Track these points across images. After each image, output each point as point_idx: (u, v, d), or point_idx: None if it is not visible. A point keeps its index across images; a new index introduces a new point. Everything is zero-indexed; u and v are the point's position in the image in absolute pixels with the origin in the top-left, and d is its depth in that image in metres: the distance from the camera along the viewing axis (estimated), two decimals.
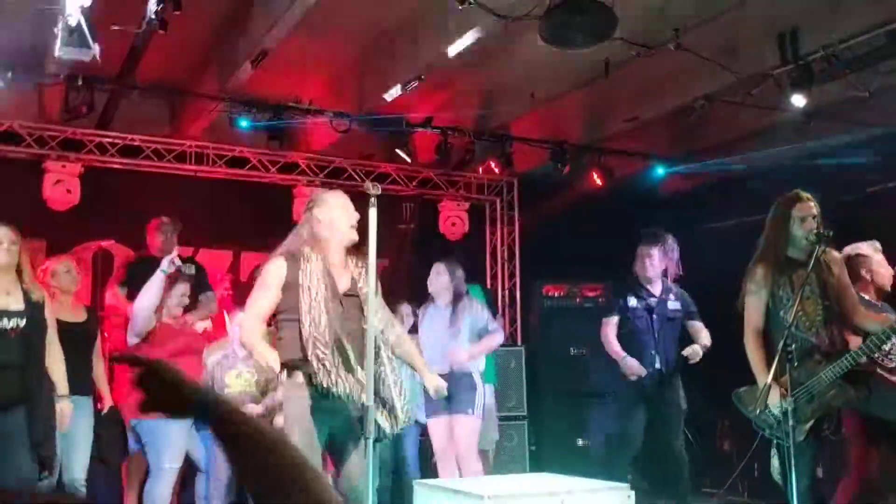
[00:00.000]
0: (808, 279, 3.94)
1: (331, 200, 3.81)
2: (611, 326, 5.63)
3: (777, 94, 6.15)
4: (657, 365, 5.47)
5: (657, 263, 5.62)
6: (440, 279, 5.38)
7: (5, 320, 4.19)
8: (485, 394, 5.31)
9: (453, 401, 5.00)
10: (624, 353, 5.48)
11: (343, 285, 3.71)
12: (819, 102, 6.16)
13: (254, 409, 4.98)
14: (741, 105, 6.48)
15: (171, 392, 1.17)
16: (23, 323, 4.23)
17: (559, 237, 7.92)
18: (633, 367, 5.41)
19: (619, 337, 5.58)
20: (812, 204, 4.08)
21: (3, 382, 4.15)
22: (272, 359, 3.59)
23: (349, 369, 3.52)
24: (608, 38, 5.31)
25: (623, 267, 6.01)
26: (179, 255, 5.28)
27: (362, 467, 3.39)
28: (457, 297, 5.36)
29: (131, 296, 5.43)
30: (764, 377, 3.95)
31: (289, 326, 3.61)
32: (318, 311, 3.54)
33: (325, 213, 3.76)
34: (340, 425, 3.56)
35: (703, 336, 5.60)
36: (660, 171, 8.08)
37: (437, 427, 5.20)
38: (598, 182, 8.01)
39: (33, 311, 4.30)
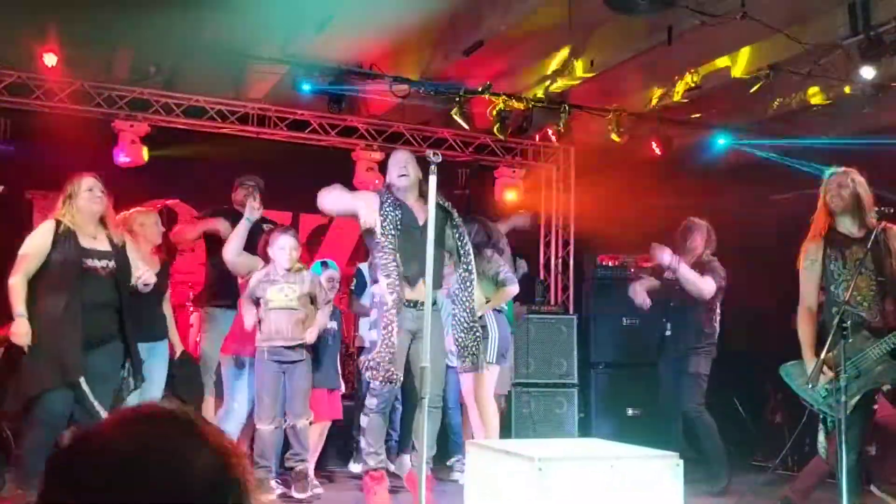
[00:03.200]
0: (865, 257, 3.92)
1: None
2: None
3: (846, 65, 6.00)
4: (666, 332, 5.97)
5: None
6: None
7: (96, 260, 4.45)
8: (498, 339, 5.65)
9: None
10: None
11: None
12: (889, 74, 6.00)
13: (313, 330, 5.19)
14: (808, 76, 6.35)
15: None
16: (112, 264, 4.50)
17: (616, 206, 7.88)
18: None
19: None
20: (862, 179, 4.08)
21: (102, 319, 4.44)
22: None
23: None
24: (672, 5, 5.25)
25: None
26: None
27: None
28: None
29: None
30: (812, 352, 3.96)
31: None
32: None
33: None
34: None
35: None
36: (720, 141, 7.96)
37: (468, 379, 5.43)
38: (658, 151, 7.93)
39: (119, 253, 4.57)
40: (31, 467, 4.35)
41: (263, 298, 5.16)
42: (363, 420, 4.73)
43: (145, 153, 7.11)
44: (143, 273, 4.61)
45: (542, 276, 8.56)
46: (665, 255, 5.98)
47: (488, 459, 3.54)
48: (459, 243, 4.73)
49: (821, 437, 4.31)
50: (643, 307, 6.13)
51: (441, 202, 4.55)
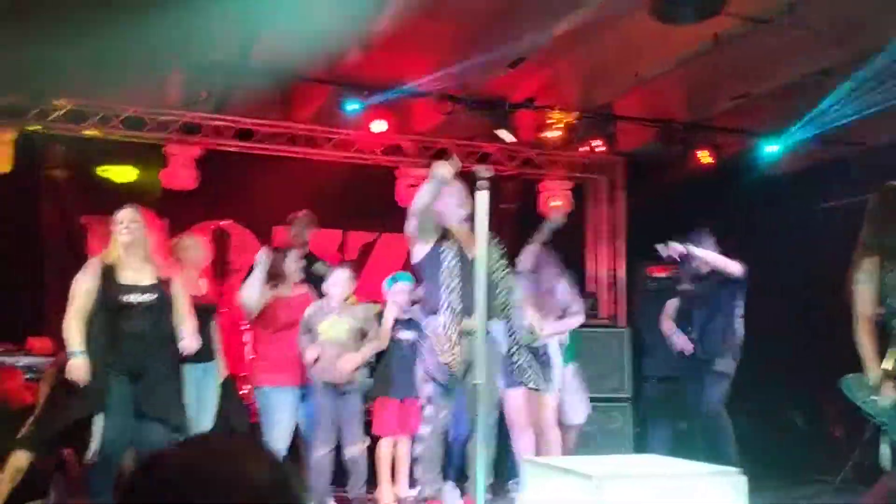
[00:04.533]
0: None
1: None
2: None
3: None
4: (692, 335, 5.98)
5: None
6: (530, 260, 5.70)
7: (136, 295, 4.52)
8: (562, 371, 5.69)
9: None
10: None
11: None
12: None
13: (353, 358, 5.21)
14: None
15: None
16: (153, 298, 4.55)
17: (665, 217, 7.79)
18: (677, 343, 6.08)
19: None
20: None
21: (133, 352, 4.48)
22: None
23: None
24: (718, 13, 5.19)
25: (733, 248, 5.96)
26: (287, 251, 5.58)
27: None
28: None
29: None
30: (874, 365, 3.87)
31: None
32: None
33: None
34: None
35: None
36: (771, 149, 7.81)
37: (514, 399, 5.30)
38: (709, 160, 7.82)
39: (162, 287, 4.61)
40: (90, 486, 4.47)
41: (314, 331, 5.22)
42: (417, 448, 4.72)
43: (195, 176, 7.23)
44: (187, 341, 4.63)
45: (589, 290, 8.48)
46: (676, 247, 5.92)
47: (545, 477, 3.51)
48: (502, 270, 4.74)
49: (885, 449, 4.19)
50: (686, 350, 6.03)
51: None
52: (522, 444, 5.24)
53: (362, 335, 5.31)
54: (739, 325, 5.91)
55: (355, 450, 5.18)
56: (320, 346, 5.17)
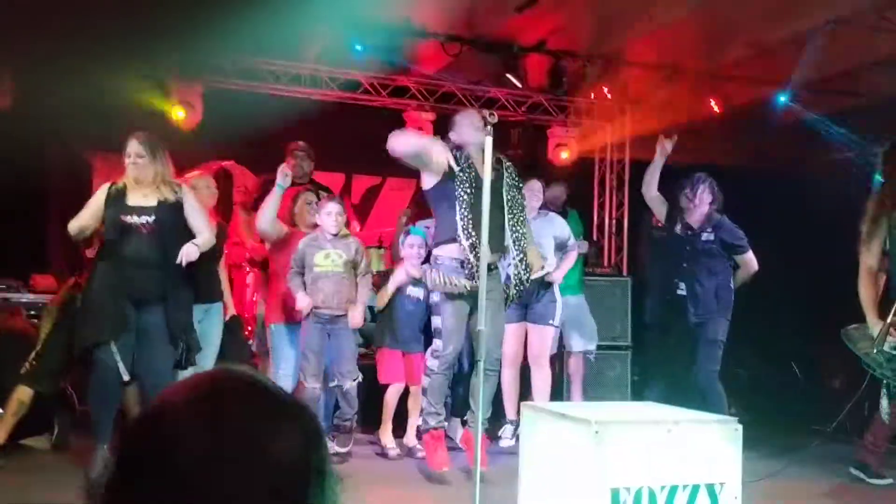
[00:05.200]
0: None
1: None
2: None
3: None
4: (679, 291, 5.74)
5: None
6: (535, 199, 5.86)
7: (136, 216, 4.48)
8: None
9: (535, 311, 5.78)
10: None
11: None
12: None
13: (359, 312, 5.27)
14: (873, 29, 6.10)
15: None
16: (152, 220, 4.48)
17: (671, 166, 7.73)
18: None
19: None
20: None
21: (140, 279, 4.47)
22: None
23: None
24: None
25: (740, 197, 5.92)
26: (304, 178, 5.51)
27: None
28: (549, 212, 6.04)
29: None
30: (875, 315, 3.87)
31: None
32: None
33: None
34: None
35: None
36: (781, 99, 7.72)
37: (510, 334, 5.45)
38: (716, 109, 7.74)
39: (165, 209, 4.53)
40: (95, 418, 4.50)
41: (309, 264, 5.22)
42: (425, 381, 4.77)
43: (200, 114, 7.18)
44: (186, 249, 4.52)
45: (595, 238, 8.47)
46: (706, 198, 5.67)
47: (544, 422, 3.54)
48: (519, 204, 4.69)
49: (883, 402, 4.23)
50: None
51: (504, 162, 4.58)
52: (510, 377, 5.71)
53: (353, 266, 5.32)
54: (731, 288, 5.71)
55: (348, 384, 5.23)
56: (312, 282, 5.17)
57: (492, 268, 4.31)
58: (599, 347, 6.99)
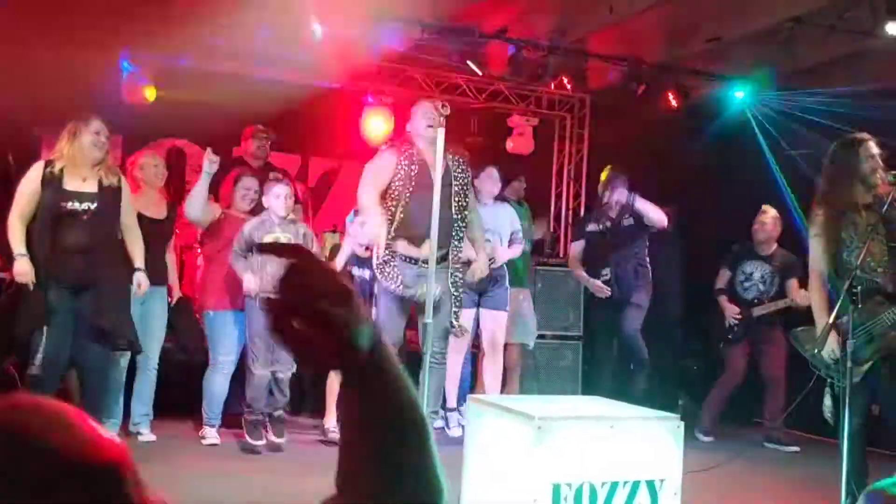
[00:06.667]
0: (878, 222, 3.86)
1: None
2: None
3: (871, 19, 5.83)
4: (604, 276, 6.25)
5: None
6: (494, 185, 5.99)
7: (76, 203, 4.39)
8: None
9: (491, 297, 5.89)
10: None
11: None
12: None
13: None
14: (831, 29, 6.17)
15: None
16: (93, 206, 4.41)
17: (629, 158, 7.77)
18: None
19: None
20: (873, 143, 4.02)
21: (75, 264, 4.38)
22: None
23: None
24: None
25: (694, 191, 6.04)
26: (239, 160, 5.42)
27: None
28: (500, 200, 6.15)
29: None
30: (824, 318, 3.92)
31: None
32: None
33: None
34: None
35: None
36: (739, 94, 7.78)
37: (465, 319, 5.48)
38: (674, 103, 7.78)
39: (105, 195, 4.48)
40: None
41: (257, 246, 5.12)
42: None
43: (151, 93, 7.03)
44: (138, 279, 4.69)
45: (552, 228, 8.48)
46: (623, 191, 6.22)
47: (489, 415, 3.54)
48: (465, 200, 4.74)
49: (826, 400, 4.29)
50: (604, 294, 6.29)
51: (455, 158, 4.65)
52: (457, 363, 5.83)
53: None
54: (648, 265, 6.32)
55: (283, 373, 5.22)
56: (260, 266, 5.04)
57: (438, 262, 4.30)
58: (552, 337, 7.03)
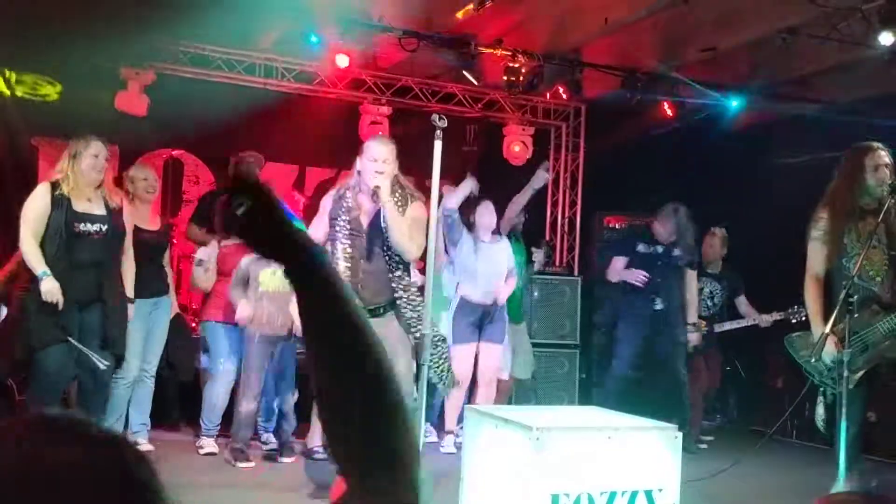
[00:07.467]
0: (877, 229, 3.88)
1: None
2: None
3: (865, 30, 5.87)
4: (656, 306, 6.08)
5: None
6: (492, 218, 5.93)
7: (89, 224, 4.49)
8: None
9: (489, 331, 5.82)
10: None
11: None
12: None
13: None
14: (825, 39, 6.21)
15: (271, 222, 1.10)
16: (105, 228, 4.54)
17: (625, 168, 7.80)
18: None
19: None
20: (884, 153, 4.02)
21: (85, 282, 4.49)
22: None
23: None
24: None
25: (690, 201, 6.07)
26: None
27: None
28: (503, 237, 6.09)
29: (206, 230, 5.70)
30: (820, 325, 3.93)
31: None
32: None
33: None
34: None
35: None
36: (734, 104, 7.81)
37: (465, 353, 5.67)
38: (669, 113, 7.81)
39: (114, 218, 4.61)
40: None
41: (253, 280, 5.11)
42: None
43: (146, 104, 7.02)
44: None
45: (547, 237, 8.50)
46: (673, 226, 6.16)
47: (487, 426, 3.55)
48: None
49: (819, 409, 4.30)
50: (639, 281, 6.16)
51: (405, 190, 4.18)
52: (460, 397, 5.76)
53: None
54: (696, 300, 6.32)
55: (290, 400, 5.30)
56: (257, 299, 5.07)
57: (378, 311, 4.04)
58: (549, 346, 7.05)
